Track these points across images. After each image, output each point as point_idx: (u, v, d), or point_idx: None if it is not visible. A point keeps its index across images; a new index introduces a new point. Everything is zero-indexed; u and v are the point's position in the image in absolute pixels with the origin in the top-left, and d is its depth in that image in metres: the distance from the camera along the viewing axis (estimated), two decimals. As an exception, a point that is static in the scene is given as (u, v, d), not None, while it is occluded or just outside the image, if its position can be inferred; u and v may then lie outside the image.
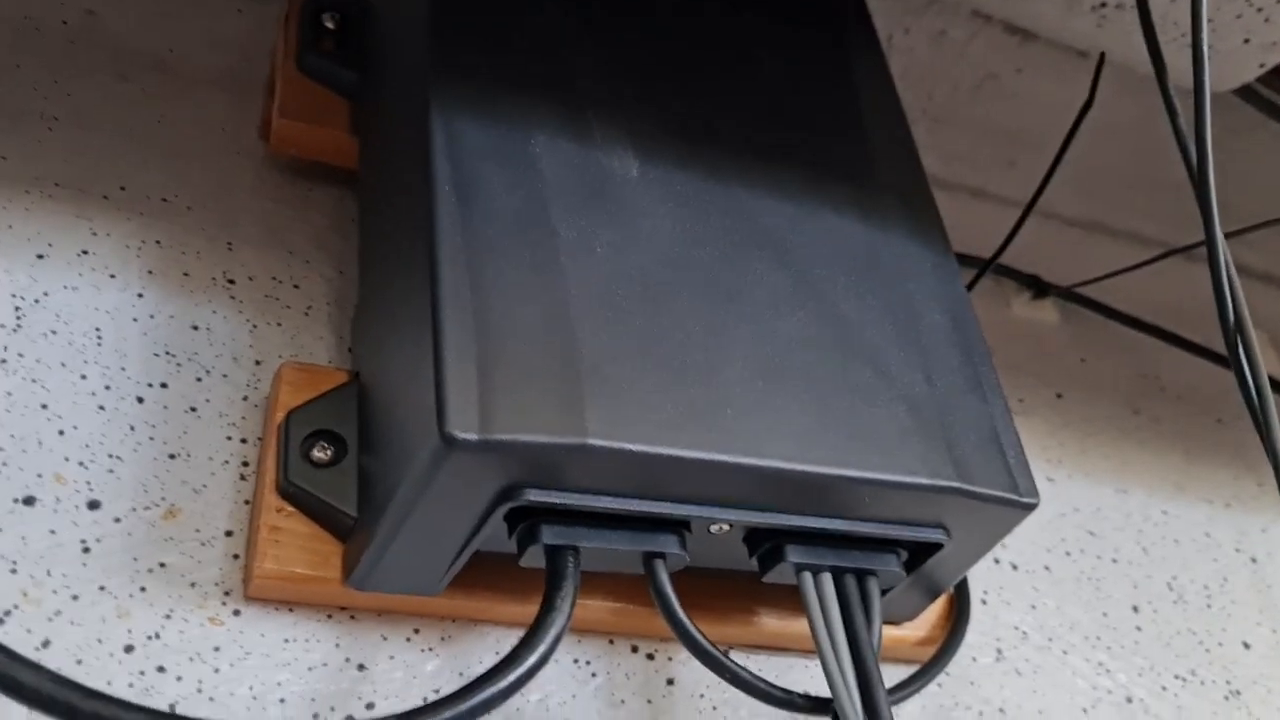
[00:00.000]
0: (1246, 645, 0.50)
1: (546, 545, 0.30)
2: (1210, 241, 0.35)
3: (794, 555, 0.33)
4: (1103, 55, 0.44)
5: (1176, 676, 0.47)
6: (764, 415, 0.31)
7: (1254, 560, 0.53)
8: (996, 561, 0.46)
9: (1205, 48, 0.36)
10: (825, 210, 0.38)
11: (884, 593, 0.36)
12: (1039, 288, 0.60)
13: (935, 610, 0.41)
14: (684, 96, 0.38)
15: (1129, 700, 0.45)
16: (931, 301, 0.37)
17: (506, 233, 0.32)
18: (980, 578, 0.45)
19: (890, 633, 0.40)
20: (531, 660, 0.28)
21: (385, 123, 0.39)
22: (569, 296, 0.31)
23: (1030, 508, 0.34)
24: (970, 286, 0.51)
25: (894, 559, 0.35)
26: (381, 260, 0.36)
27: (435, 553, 0.31)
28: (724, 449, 0.30)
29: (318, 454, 0.33)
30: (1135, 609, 0.48)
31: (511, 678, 0.28)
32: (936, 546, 0.35)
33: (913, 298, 0.37)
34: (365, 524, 0.32)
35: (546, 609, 0.30)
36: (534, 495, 0.29)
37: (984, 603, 0.45)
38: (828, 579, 0.34)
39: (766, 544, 0.33)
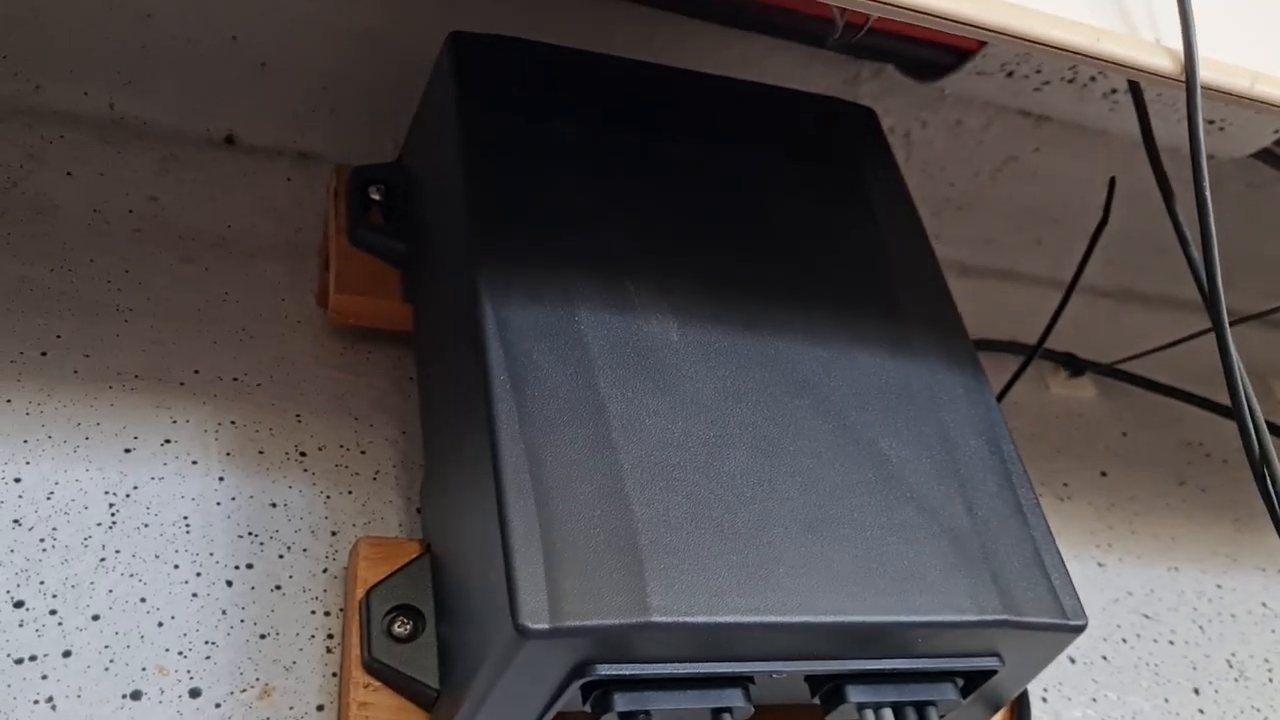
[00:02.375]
0: (1311, 718, 0.50)
1: (620, 712, 0.32)
2: (1220, 333, 0.37)
3: (855, 695, 0.35)
4: (1113, 180, 0.46)
5: (1243, 757, 0.47)
6: (814, 569, 0.33)
7: (1313, 627, 0.54)
8: (1054, 657, 0.48)
9: (1204, 158, 0.37)
10: (856, 348, 0.39)
11: (944, 716, 0.38)
12: (1075, 366, 0.61)
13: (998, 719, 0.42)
14: (713, 248, 0.40)
15: (1197, 787, 0.46)
16: (965, 427, 0.39)
17: (560, 414, 0.34)
18: (1040, 676, 0.46)
19: (954, 747, 0.41)
20: (614, 829, 0.30)
21: (435, 293, 0.41)
22: (622, 471, 0.33)
23: (1079, 630, 0.36)
24: (1014, 379, 0.52)
25: (951, 687, 0.36)
26: (443, 431, 0.38)
27: (516, 722, 0.33)
28: (778, 610, 0.32)
29: (398, 629, 0.35)
30: (1196, 691, 0.49)
31: None
32: (992, 673, 0.36)
33: (947, 427, 0.39)
34: (448, 695, 0.34)
35: (624, 777, 0.31)
36: (605, 670, 0.31)
37: (1044, 700, 0.46)
38: (889, 715, 0.35)
39: (827, 685, 0.35)
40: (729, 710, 0.33)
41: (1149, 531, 0.55)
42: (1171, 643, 0.50)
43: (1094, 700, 0.47)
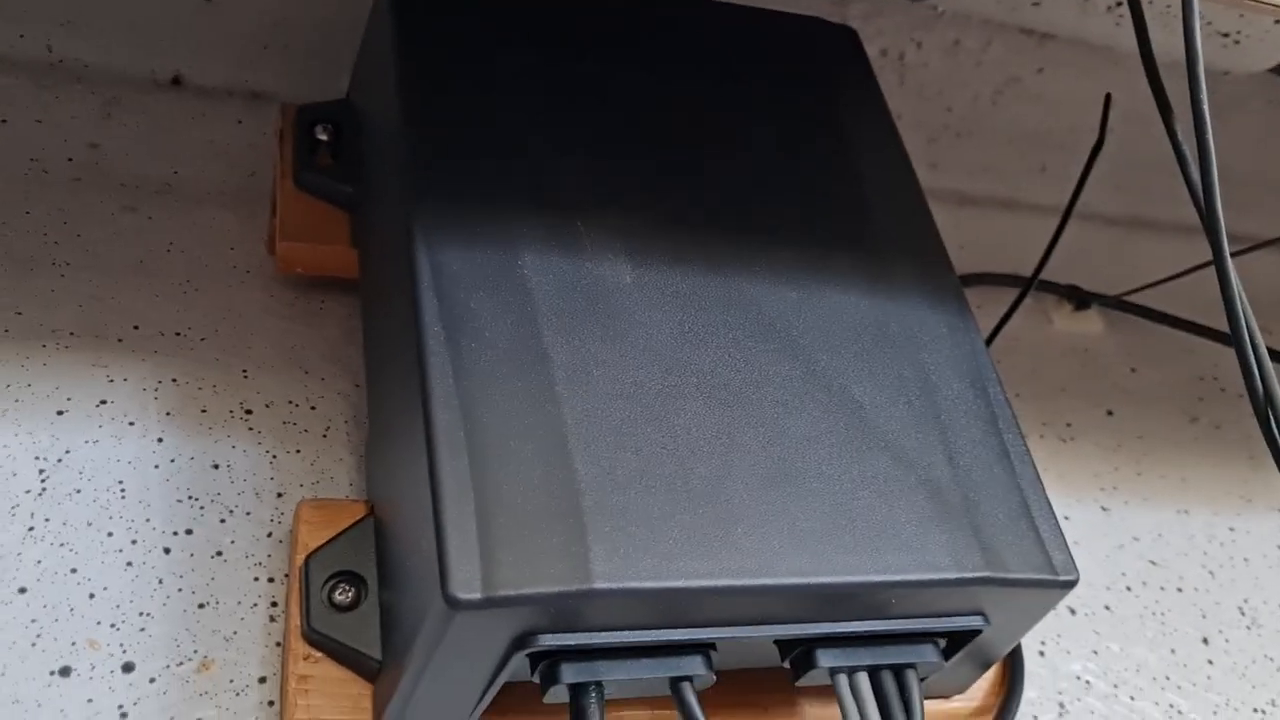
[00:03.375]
0: (1328, 665, 0.48)
1: (568, 684, 0.30)
2: (1219, 258, 0.34)
3: (825, 660, 0.32)
4: (1109, 97, 0.42)
5: (1255, 710, 0.45)
6: (775, 528, 0.31)
7: (1331, 570, 0.51)
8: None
9: (1200, 66, 0.34)
10: (829, 287, 0.37)
11: (925, 678, 0.36)
12: (1080, 299, 0.58)
13: (989, 676, 0.40)
14: (675, 185, 0.38)
15: (1204, 742, 0.43)
16: (948, 369, 0.36)
17: (498, 366, 0.31)
18: (1037, 628, 0.44)
19: (942, 707, 0.39)
20: (559, 810, 0.28)
21: (376, 240, 0.39)
22: (566, 427, 0.31)
23: (1069, 585, 0.33)
24: (1010, 312, 0.49)
25: (932, 649, 0.34)
26: (383, 391, 0.36)
27: (459, 697, 0.31)
28: (735, 573, 0.29)
29: (339, 597, 0.33)
30: (1205, 640, 0.46)
31: (539, 832, 0.28)
32: (975, 632, 0.34)
33: (928, 369, 0.36)
34: (390, 666, 0.32)
35: (571, 753, 0.29)
36: (548, 640, 0.29)
37: (1042, 654, 0.44)
38: (863, 679, 0.33)
39: (797, 649, 0.33)
40: (689, 679, 0.31)
41: (1157, 473, 0.52)
42: (1180, 589, 0.48)
43: (1095, 653, 0.44)
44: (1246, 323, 0.34)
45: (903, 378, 0.35)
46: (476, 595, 0.27)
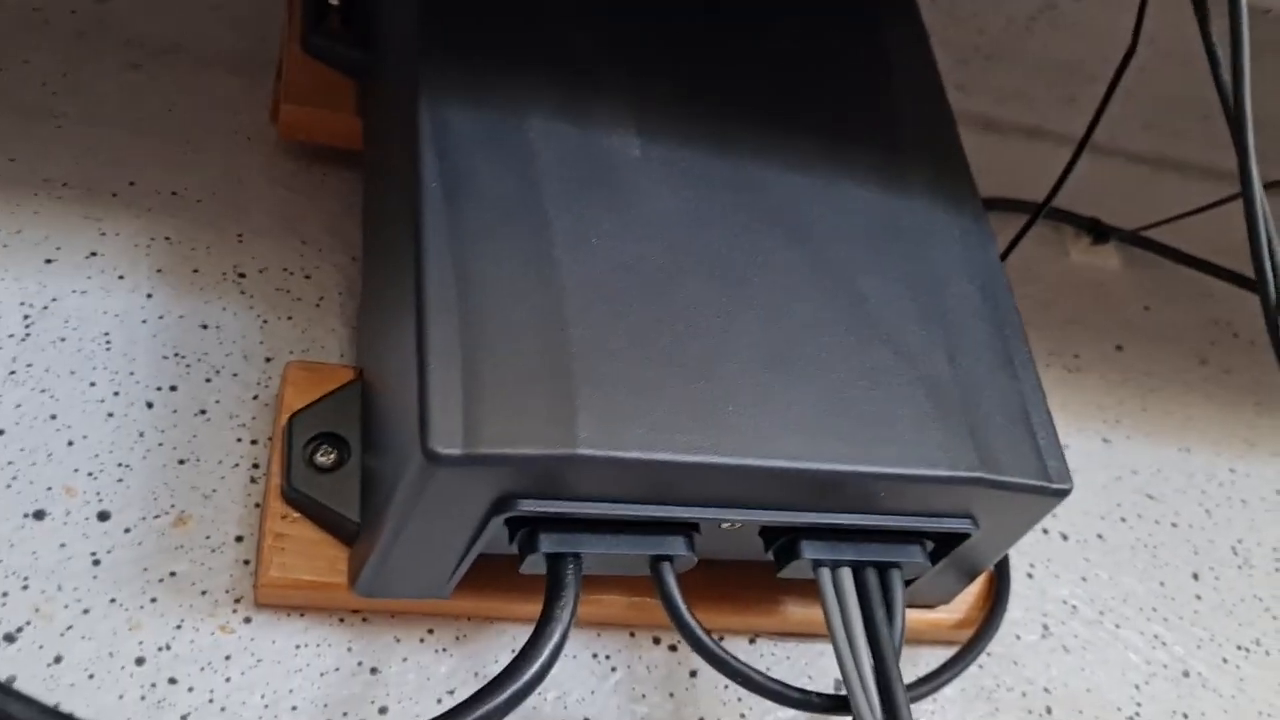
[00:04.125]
0: (1318, 610, 0.47)
1: (546, 553, 0.30)
2: (1246, 181, 0.33)
3: (809, 551, 0.32)
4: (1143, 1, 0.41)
5: (1239, 647, 0.44)
6: (768, 410, 0.30)
7: (1330, 518, 0.50)
8: (1045, 532, 0.45)
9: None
10: (844, 178, 0.36)
11: (910, 582, 0.35)
12: (1099, 232, 0.57)
13: (974, 590, 0.39)
14: (693, 64, 0.36)
15: (1185, 674, 0.43)
16: (958, 271, 0.35)
17: (496, 227, 0.30)
18: (1027, 550, 0.44)
19: (925, 617, 0.38)
20: (529, 674, 0.28)
21: (381, 105, 0.38)
22: (562, 292, 0.30)
23: (1062, 494, 0.33)
24: (1022, 234, 0.48)
25: (919, 550, 0.33)
26: (378, 254, 0.35)
27: (436, 561, 0.31)
28: (722, 450, 0.29)
29: (321, 458, 0.33)
30: (1195, 576, 0.46)
31: (507, 694, 0.27)
32: (964, 536, 0.33)
33: (937, 268, 0.35)
34: (368, 529, 0.31)
35: (544, 620, 0.29)
36: (528, 506, 0.28)
37: (1030, 576, 0.43)
38: (847, 574, 0.32)
39: (781, 539, 0.32)
40: (669, 558, 0.31)
41: (1162, 409, 0.51)
42: (1175, 525, 0.47)
43: (1083, 579, 0.44)
44: (1272, 252, 0.33)
45: (911, 274, 0.34)
46: (457, 451, 0.27)
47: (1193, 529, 0.47)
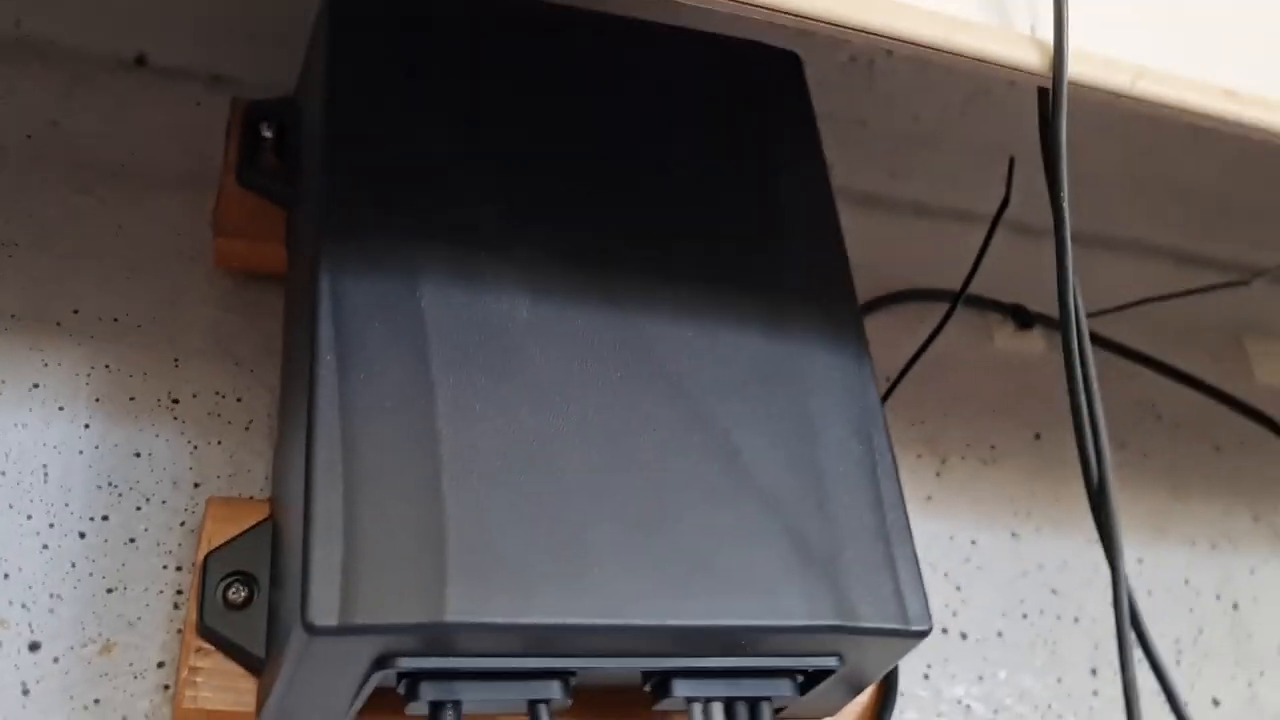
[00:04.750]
0: (1216, 702, 0.49)
1: (429, 701, 0.32)
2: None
3: (681, 690, 0.34)
4: (1012, 160, 0.43)
5: (1132, 743, 0.47)
6: (635, 570, 0.32)
7: (1235, 607, 0.53)
8: (945, 631, 0.47)
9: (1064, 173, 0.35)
10: (726, 328, 0.38)
11: (782, 709, 0.38)
12: (1023, 318, 0.59)
13: (864, 699, 0.42)
14: (588, 218, 0.39)
15: (1076, 771, 0.45)
16: (833, 416, 0.37)
17: (384, 399, 0.33)
18: (925, 651, 0.46)
19: (813, 727, 0.41)
20: (403, 821, 0.30)
21: (297, 249, 0.40)
22: (441, 463, 0.32)
23: (921, 635, 0.35)
24: (942, 324, 0.50)
25: (788, 684, 0.35)
26: (285, 401, 0.38)
27: (330, 702, 0.33)
28: (587, 613, 0.31)
29: (232, 596, 0.35)
30: (1094, 672, 0.48)
31: (381, 841, 0.30)
32: (830, 671, 0.35)
33: (813, 415, 0.37)
34: (270, 664, 0.34)
35: (421, 767, 0.31)
36: (406, 664, 0.31)
37: (926, 677, 0.45)
38: (718, 708, 0.35)
39: (655, 678, 0.35)
40: (545, 702, 0.33)
41: (1075, 499, 0.53)
42: (1077, 620, 0.49)
43: (980, 678, 0.46)
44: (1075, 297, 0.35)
45: (785, 424, 0.37)
46: (333, 622, 0.29)
47: (1095, 623, 0.49)
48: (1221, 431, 0.59)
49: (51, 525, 0.38)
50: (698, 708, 0.35)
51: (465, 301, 0.35)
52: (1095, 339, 0.59)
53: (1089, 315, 0.59)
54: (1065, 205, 0.32)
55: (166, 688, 0.36)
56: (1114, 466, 0.55)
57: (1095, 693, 0.47)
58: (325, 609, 0.29)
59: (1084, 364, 0.33)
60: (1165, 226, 0.66)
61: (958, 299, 0.50)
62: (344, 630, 0.29)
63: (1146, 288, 0.59)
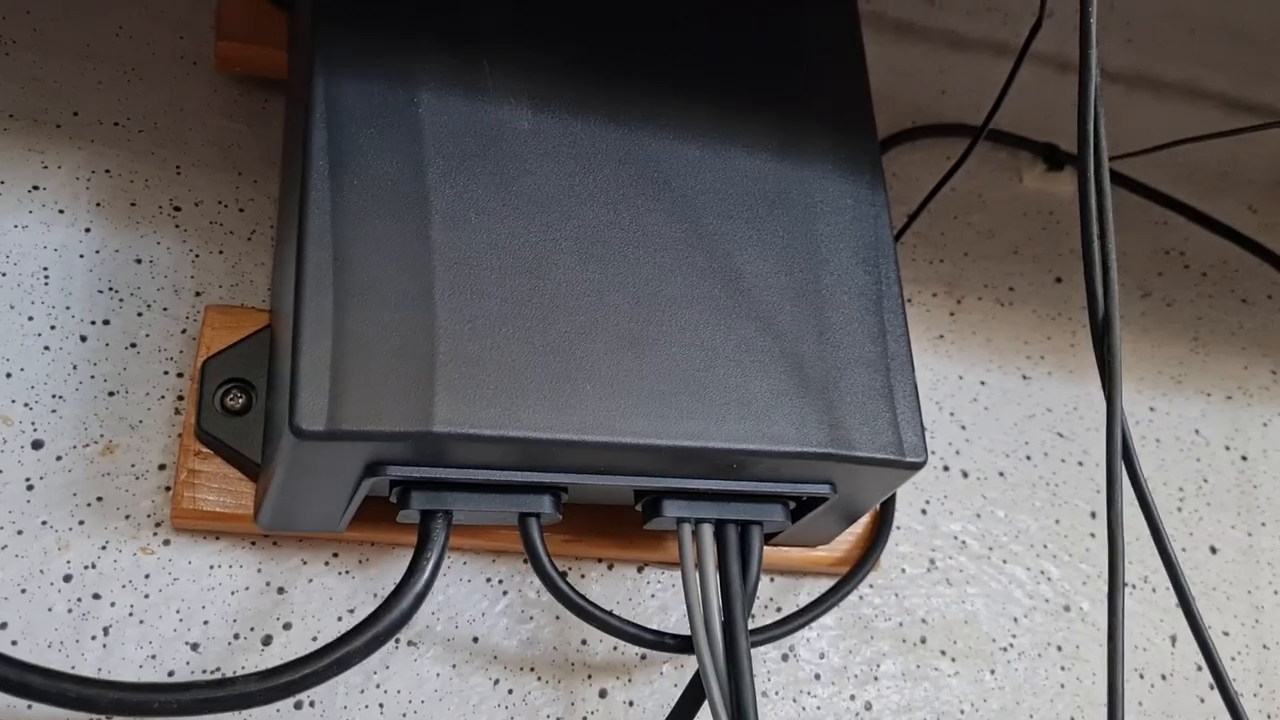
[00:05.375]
0: (1214, 550, 0.49)
1: (420, 510, 0.33)
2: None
3: (671, 510, 0.34)
4: None
5: (1125, 584, 0.47)
6: (625, 388, 0.32)
7: (1244, 458, 0.52)
8: (945, 469, 0.47)
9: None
10: (736, 148, 0.37)
11: (774, 535, 0.38)
12: (1054, 158, 0.57)
13: (858, 530, 0.42)
14: (594, 30, 0.37)
15: (1066, 609, 0.46)
16: (841, 242, 0.37)
17: (377, 205, 0.32)
18: (924, 487, 0.46)
19: (807, 555, 0.41)
20: (389, 620, 0.31)
21: (294, 52, 0.39)
22: (434, 272, 0.32)
23: (915, 467, 0.35)
24: (961, 160, 0.48)
25: (779, 509, 0.36)
26: (282, 208, 0.37)
27: (323, 506, 0.34)
28: (574, 429, 0.31)
29: (230, 402, 0.36)
30: (1093, 515, 0.48)
31: (366, 637, 0.31)
32: (823, 499, 0.35)
33: (820, 240, 0.36)
34: (266, 470, 0.35)
35: (409, 572, 0.32)
36: (396, 472, 0.31)
37: (924, 513, 0.46)
38: (707, 530, 0.35)
39: (646, 497, 0.35)
40: (536, 515, 0.34)
41: (1091, 345, 0.52)
42: (1080, 464, 0.49)
43: (978, 516, 0.46)
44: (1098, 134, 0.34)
45: (790, 247, 0.36)
46: (320, 427, 0.29)
47: (1099, 468, 0.49)
48: (1250, 284, 0.57)
49: (53, 327, 0.38)
50: (687, 528, 0.35)
51: (465, 109, 0.34)
52: (1126, 181, 0.57)
53: (1122, 156, 0.57)
54: (1093, 20, 0.30)
55: (167, 489, 0.37)
56: (1136, 314, 0.55)
57: (1092, 535, 0.47)
58: (313, 414, 0.29)
59: (1100, 193, 0.32)
60: (1214, 69, 0.63)
61: (982, 131, 0.48)
62: (331, 435, 0.30)
63: (1190, 132, 0.56)
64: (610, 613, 0.35)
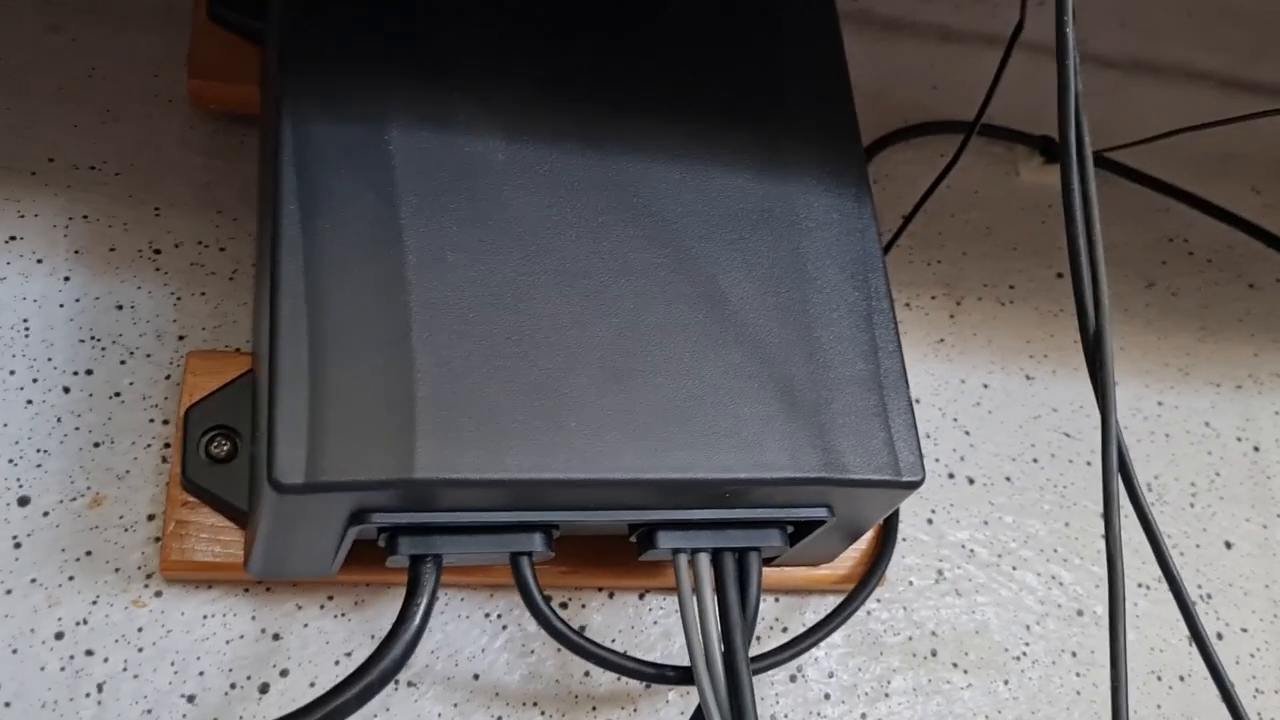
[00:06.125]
0: (1229, 545, 0.48)
1: (410, 555, 0.32)
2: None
3: (666, 541, 0.34)
4: None
5: (1140, 585, 0.46)
6: (610, 423, 0.31)
7: (1256, 449, 0.51)
8: (951, 477, 0.46)
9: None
10: (717, 168, 0.36)
11: (772, 559, 0.37)
12: (1051, 151, 0.55)
13: (862, 545, 0.41)
14: (567, 54, 0.36)
15: (1079, 613, 0.45)
16: (828, 259, 0.36)
17: (351, 249, 0.32)
18: (929, 496, 0.45)
19: (810, 574, 0.40)
20: (381, 669, 0.31)
21: (264, 88, 0.38)
22: (411, 314, 0.31)
23: (912, 486, 0.34)
24: (958, 153, 0.47)
25: (777, 534, 0.35)
26: (257, 254, 0.36)
27: (312, 553, 0.33)
28: (561, 467, 0.31)
29: (215, 449, 0.35)
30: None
31: (359, 687, 0.30)
32: (820, 522, 0.35)
33: (806, 259, 0.35)
34: (253, 518, 0.34)
35: (400, 619, 0.31)
36: (382, 519, 0.31)
37: (930, 522, 0.45)
38: (704, 559, 0.34)
39: (640, 529, 0.34)
40: (528, 554, 0.33)
41: (1095, 341, 0.51)
42: (1089, 464, 0.48)
43: (985, 523, 0.46)
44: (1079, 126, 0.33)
45: (776, 268, 0.35)
46: (299, 480, 0.29)
47: (1107, 467, 0.48)
48: (1257, 268, 0.56)
49: (35, 380, 0.38)
50: (683, 559, 0.34)
51: (436, 143, 0.34)
52: (1126, 171, 0.56)
53: (1120, 147, 0.56)
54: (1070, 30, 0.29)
55: (157, 539, 0.36)
56: (1140, 306, 0.54)
57: (1104, 536, 0.46)
58: (291, 466, 0.29)
59: (1085, 197, 0.31)
60: (1213, 50, 0.62)
61: (975, 126, 0.48)
62: (311, 488, 0.29)
63: (1189, 116, 0.55)
64: (608, 648, 0.35)
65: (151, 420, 0.38)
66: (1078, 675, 0.44)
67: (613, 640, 0.39)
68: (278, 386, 0.30)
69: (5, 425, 0.37)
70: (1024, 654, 0.44)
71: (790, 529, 0.35)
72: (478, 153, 0.34)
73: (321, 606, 0.37)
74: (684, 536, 0.34)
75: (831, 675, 0.41)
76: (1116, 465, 0.31)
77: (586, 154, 0.35)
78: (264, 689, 0.36)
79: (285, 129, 0.33)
